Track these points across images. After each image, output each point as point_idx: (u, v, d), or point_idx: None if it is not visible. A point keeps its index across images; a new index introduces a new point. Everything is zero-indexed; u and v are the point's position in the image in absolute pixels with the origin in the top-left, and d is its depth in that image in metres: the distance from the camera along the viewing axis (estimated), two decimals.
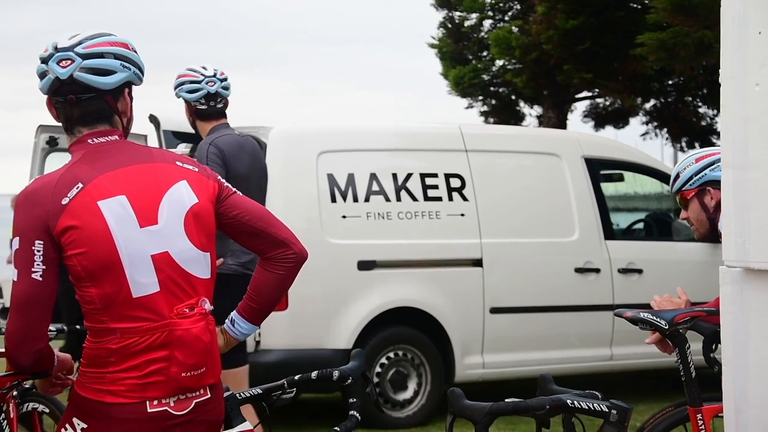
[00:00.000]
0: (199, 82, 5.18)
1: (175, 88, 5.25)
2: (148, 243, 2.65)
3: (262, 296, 2.88)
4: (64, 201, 2.61)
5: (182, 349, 2.64)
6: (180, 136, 7.18)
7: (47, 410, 4.41)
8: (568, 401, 2.45)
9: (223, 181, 2.84)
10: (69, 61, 2.66)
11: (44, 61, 2.68)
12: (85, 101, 2.69)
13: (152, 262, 2.64)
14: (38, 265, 2.60)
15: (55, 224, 2.60)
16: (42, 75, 2.70)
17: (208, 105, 5.22)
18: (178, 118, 7.19)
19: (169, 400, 2.64)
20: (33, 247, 2.59)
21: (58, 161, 8.03)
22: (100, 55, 2.68)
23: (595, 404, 2.45)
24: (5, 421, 2.78)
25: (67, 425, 2.66)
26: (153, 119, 7.06)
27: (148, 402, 2.62)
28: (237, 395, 2.89)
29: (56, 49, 2.67)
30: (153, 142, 7.10)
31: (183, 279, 2.68)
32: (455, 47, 15.59)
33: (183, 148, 6.95)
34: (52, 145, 8.02)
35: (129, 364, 2.61)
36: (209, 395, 2.72)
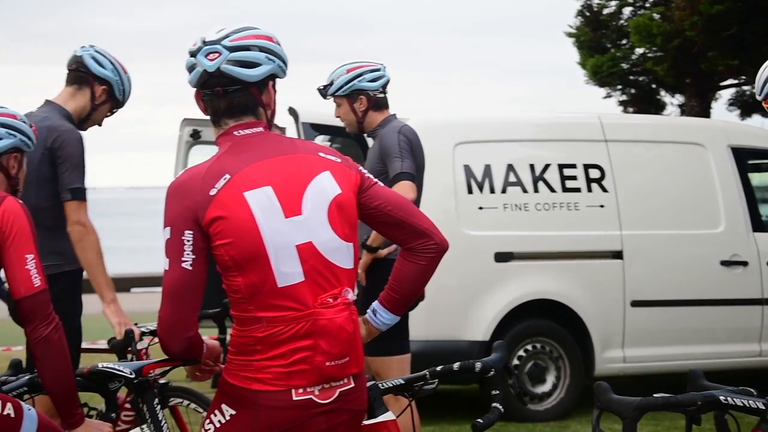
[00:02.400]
0: (378, 70, 5.02)
1: (349, 82, 4.99)
2: (292, 233, 2.68)
3: (404, 286, 2.89)
4: (212, 192, 2.66)
5: (326, 339, 2.66)
6: (318, 129, 7.28)
7: (189, 404, 4.52)
8: (721, 397, 2.37)
9: (365, 171, 2.86)
10: (216, 54, 2.71)
11: (193, 54, 2.75)
12: (232, 93, 2.75)
13: (297, 252, 2.68)
14: (188, 254, 2.66)
15: (203, 215, 2.66)
16: (191, 68, 2.76)
17: (384, 94, 5.13)
18: (316, 111, 7.30)
19: (314, 389, 2.67)
20: (183, 237, 2.66)
21: (201, 153, 8.25)
22: (246, 48, 2.73)
23: (750, 401, 2.36)
24: (158, 406, 2.87)
25: (216, 411, 2.72)
26: (292, 112, 7.17)
27: (293, 390, 2.65)
28: (380, 385, 2.91)
29: (204, 43, 2.74)
30: (292, 134, 7.22)
31: (327, 269, 2.71)
32: (593, 36, 15.32)
33: (321, 141, 7.05)
34: (196, 137, 8.24)
35: (274, 353, 2.65)
36: (353, 384, 2.74)
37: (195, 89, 2.79)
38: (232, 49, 2.71)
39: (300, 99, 7.56)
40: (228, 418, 2.69)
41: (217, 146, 2.80)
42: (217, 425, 2.70)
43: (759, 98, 3.93)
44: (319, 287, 2.69)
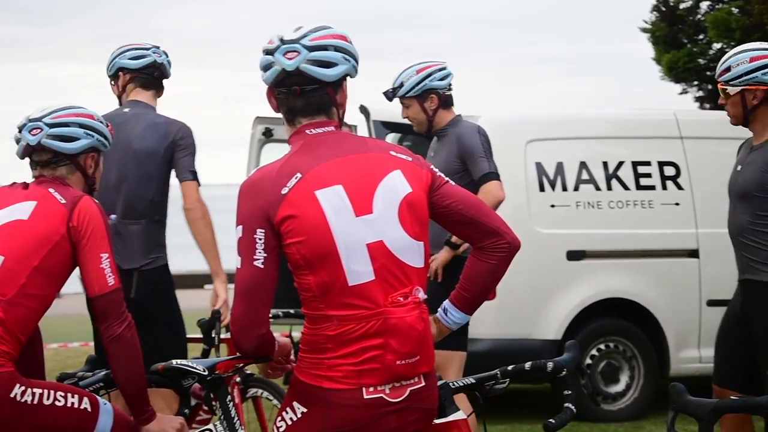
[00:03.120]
0: (445, 68, 5.04)
1: (420, 82, 5.00)
2: (363, 232, 2.68)
3: (475, 285, 2.87)
4: (284, 191, 2.68)
5: (397, 337, 2.66)
6: (389, 127, 7.28)
7: (270, 397, 4.58)
8: None
9: (436, 170, 2.85)
10: (295, 53, 2.72)
11: (270, 52, 2.75)
12: (309, 93, 2.75)
13: (367, 250, 2.68)
14: (260, 252, 2.68)
15: (275, 213, 2.67)
16: (266, 66, 2.76)
17: (450, 91, 5.14)
18: (387, 109, 7.29)
19: (385, 387, 2.67)
20: (255, 236, 2.68)
21: (273, 152, 8.31)
22: (324, 48, 2.73)
23: None
24: (231, 403, 2.90)
25: (288, 409, 2.73)
26: (363, 110, 7.19)
27: (364, 389, 2.66)
28: (450, 384, 2.90)
29: (282, 42, 2.74)
30: (362, 132, 7.23)
31: (397, 268, 2.70)
32: (669, 31, 15.08)
33: (392, 139, 7.04)
34: (268, 136, 8.31)
35: (345, 351, 2.66)
36: (423, 383, 2.73)
37: (268, 87, 2.80)
38: (311, 49, 2.72)
39: (371, 97, 7.58)
40: (299, 415, 2.70)
41: (289, 145, 2.81)
42: (289, 422, 2.71)
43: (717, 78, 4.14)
44: (390, 286, 2.69)
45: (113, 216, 4.36)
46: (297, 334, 6.55)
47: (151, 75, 4.56)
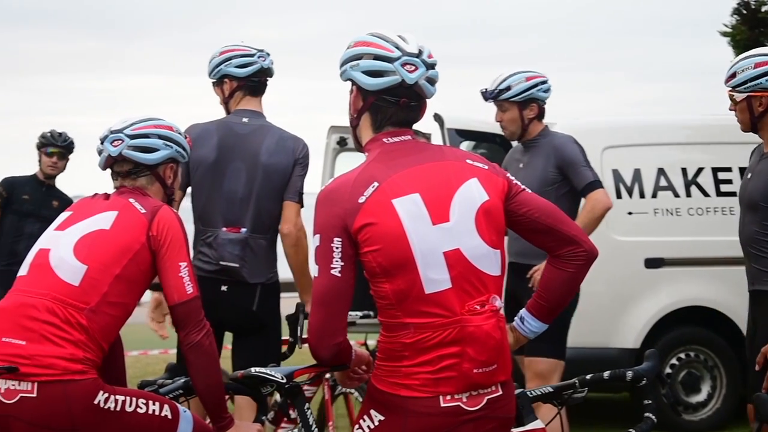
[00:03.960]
0: (547, 82, 5.09)
1: (528, 90, 5.02)
2: (440, 240, 2.68)
3: (552, 294, 2.86)
4: (361, 199, 2.69)
5: (474, 346, 2.65)
6: (464, 134, 7.26)
7: (359, 395, 4.61)
8: None
9: (512, 178, 2.84)
10: (416, 68, 2.74)
11: (389, 60, 2.73)
12: (411, 107, 2.78)
13: (444, 259, 2.68)
14: (337, 261, 2.69)
15: (352, 222, 2.68)
16: (379, 73, 2.74)
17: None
18: (461, 117, 7.29)
19: (462, 396, 2.66)
20: (332, 244, 2.69)
21: (348, 161, 8.35)
22: (434, 66, 2.77)
23: None
24: (309, 411, 2.92)
25: (365, 416, 2.74)
26: (437, 118, 7.18)
27: (441, 397, 2.65)
28: (528, 393, 2.88)
29: (404, 53, 2.74)
30: (437, 140, 7.23)
31: (474, 276, 2.69)
32: (750, 35, 14.78)
33: (466, 147, 7.02)
34: (342, 145, 8.35)
35: (422, 359, 2.66)
36: (501, 392, 2.72)
37: (363, 90, 2.76)
38: (429, 66, 2.75)
39: (445, 105, 7.57)
40: (377, 423, 2.70)
41: (366, 152, 2.82)
42: (366, 430, 2.72)
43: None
44: (467, 294, 2.68)
45: (243, 230, 4.37)
46: (372, 342, 6.58)
47: (258, 81, 4.51)
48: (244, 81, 4.48)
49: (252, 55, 4.48)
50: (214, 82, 4.60)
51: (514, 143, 5.44)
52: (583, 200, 5.10)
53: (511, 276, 4.72)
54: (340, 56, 2.81)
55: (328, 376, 4.46)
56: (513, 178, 2.85)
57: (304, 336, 4.55)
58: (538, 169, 5.01)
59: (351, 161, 8.31)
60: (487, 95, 5.09)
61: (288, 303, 4.85)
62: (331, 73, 2.80)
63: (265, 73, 4.54)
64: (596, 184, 4.93)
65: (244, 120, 4.52)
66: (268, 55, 4.55)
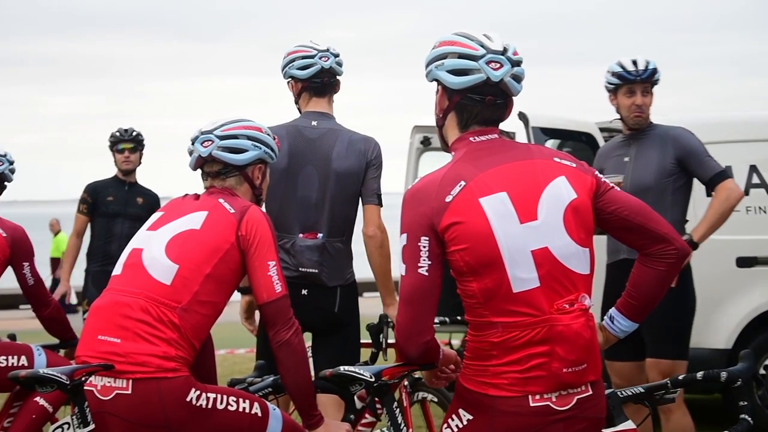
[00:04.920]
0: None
1: (657, 72, 4.92)
2: (528, 239, 2.67)
3: (642, 293, 2.82)
4: (448, 198, 2.69)
5: (563, 345, 2.63)
6: (548, 133, 7.20)
7: (436, 399, 4.60)
8: None
9: (601, 176, 2.81)
10: (501, 65, 2.73)
11: (474, 58, 2.73)
12: (497, 105, 2.77)
13: (532, 257, 2.66)
14: (424, 260, 2.69)
15: (439, 221, 2.68)
16: (464, 72, 2.73)
17: None
18: (546, 115, 7.23)
19: (551, 396, 2.64)
20: (419, 243, 2.70)
21: (431, 160, 8.34)
22: (519, 63, 2.77)
23: None
24: (398, 410, 2.93)
25: (453, 416, 2.73)
26: (522, 116, 7.14)
27: (530, 396, 2.64)
28: (619, 393, 2.84)
29: (489, 51, 2.74)
30: (521, 138, 7.18)
31: (563, 275, 2.67)
32: None
33: (551, 145, 6.96)
34: (426, 144, 8.34)
35: (510, 358, 2.64)
36: (591, 392, 2.69)
37: (448, 88, 2.76)
38: (515, 63, 2.74)
39: (529, 103, 7.52)
40: (465, 422, 2.70)
41: (452, 151, 2.82)
42: (455, 429, 2.72)
43: None
44: (555, 293, 2.66)
45: (320, 235, 4.40)
46: (456, 342, 6.56)
47: (321, 81, 4.49)
48: (307, 82, 4.48)
49: (312, 56, 4.44)
50: (287, 83, 4.60)
51: (598, 140, 5.36)
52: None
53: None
54: (422, 56, 2.81)
55: (406, 383, 4.46)
56: (602, 176, 2.82)
57: (390, 341, 4.60)
58: (654, 161, 4.87)
59: (435, 161, 8.29)
60: (636, 74, 4.88)
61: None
62: (415, 73, 2.79)
63: (328, 73, 4.49)
64: (725, 173, 4.84)
65: (313, 123, 4.52)
66: (335, 55, 4.49)
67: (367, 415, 4.51)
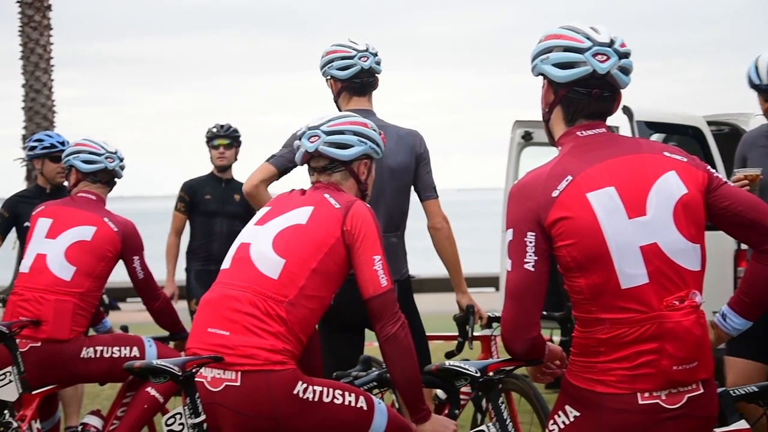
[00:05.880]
0: None
1: None
2: (636, 234, 2.64)
3: (756, 290, 2.77)
4: (554, 193, 2.67)
5: (673, 342, 2.59)
6: (653, 126, 7.08)
7: (518, 393, 4.58)
8: None
9: (713, 171, 2.76)
10: (607, 58, 2.71)
11: (580, 51, 2.72)
12: (604, 98, 2.75)
13: (641, 253, 2.63)
14: (530, 255, 2.69)
15: (546, 216, 2.67)
16: (570, 65, 2.72)
17: None
18: (650, 109, 7.10)
19: (660, 393, 2.61)
20: (525, 239, 2.69)
21: (533, 155, 8.27)
22: (627, 55, 2.74)
23: None
24: (503, 405, 2.92)
25: (560, 412, 2.72)
26: (626, 110, 7.04)
27: (639, 394, 2.61)
28: (731, 392, 2.79)
29: (595, 43, 2.72)
30: (625, 132, 7.08)
31: (672, 271, 2.64)
32: None
33: (656, 139, 6.84)
34: (527, 139, 8.28)
35: (618, 355, 2.62)
36: (702, 390, 2.65)
37: (553, 83, 2.74)
38: (622, 56, 2.73)
39: (633, 97, 7.40)
40: (572, 419, 2.68)
41: (558, 146, 2.80)
42: (561, 426, 2.70)
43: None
44: (665, 289, 2.62)
45: None
46: (557, 338, 6.49)
47: (361, 81, 4.50)
48: (347, 82, 4.49)
49: (352, 57, 4.45)
50: (326, 80, 4.60)
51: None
52: None
53: None
54: (519, 51, 2.79)
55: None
56: (714, 171, 2.76)
57: (476, 334, 4.64)
58: None
59: (536, 156, 8.22)
60: (760, 86, 4.61)
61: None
62: (511, 68, 2.78)
63: (368, 73, 4.50)
64: None
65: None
66: (374, 54, 4.50)
67: (448, 408, 4.55)
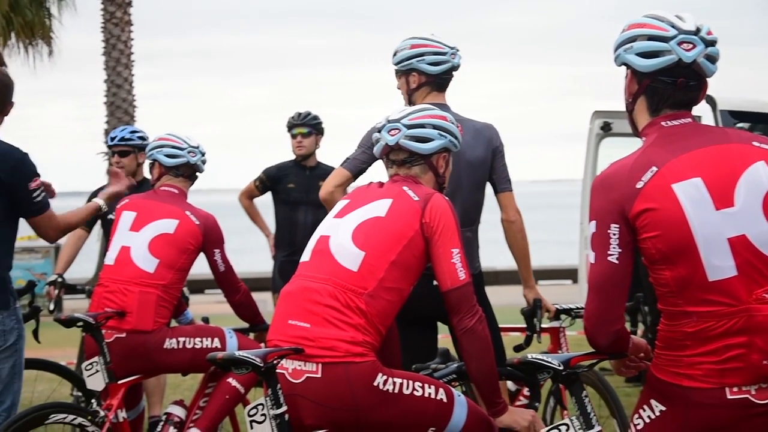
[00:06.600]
0: None
1: None
2: (724, 226, 2.59)
3: None
4: (639, 185, 2.63)
5: (763, 336, 2.54)
6: (737, 116, 6.95)
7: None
8: None
9: None
10: (693, 46, 2.67)
11: (665, 40, 2.68)
12: (689, 87, 2.70)
13: (729, 245, 2.58)
14: (614, 248, 2.65)
15: (630, 208, 2.63)
16: (654, 54, 2.68)
17: None
18: (734, 98, 6.97)
19: (750, 388, 2.56)
20: (609, 231, 2.65)
21: (612, 146, 8.18)
22: (714, 43, 2.69)
23: None
24: (587, 398, 2.89)
25: (644, 406, 2.68)
26: (709, 99, 6.92)
27: (727, 388, 2.56)
28: None
29: (681, 31, 2.67)
30: (708, 122, 6.95)
31: (762, 263, 2.58)
32: None
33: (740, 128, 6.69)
34: (606, 130, 8.19)
35: (705, 349, 2.57)
36: None
37: (638, 72, 2.70)
38: (708, 43, 2.67)
39: (717, 85, 7.27)
40: (658, 413, 2.64)
41: (643, 137, 2.75)
42: (647, 420, 2.66)
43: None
44: (754, 282, 2.57)
45: None
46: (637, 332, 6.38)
47: (447, 78, 4.49)
48: (433, 78, 4.45)
49: (444, 53, 4.43)
50: (398, 71, 4.56)
51: None
52: None
53: None
54: (596, 40, 2.78)
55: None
56: None
57: (544, 326, 4.65)
58: None
59: (615, 147, 8.13)
60: None
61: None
62: (588, 58, 2.74)
63: (454, 69, 4.50)
64: None
65: None
66: (458, 51, 4.48)
67: (521, 398, 4.52)
